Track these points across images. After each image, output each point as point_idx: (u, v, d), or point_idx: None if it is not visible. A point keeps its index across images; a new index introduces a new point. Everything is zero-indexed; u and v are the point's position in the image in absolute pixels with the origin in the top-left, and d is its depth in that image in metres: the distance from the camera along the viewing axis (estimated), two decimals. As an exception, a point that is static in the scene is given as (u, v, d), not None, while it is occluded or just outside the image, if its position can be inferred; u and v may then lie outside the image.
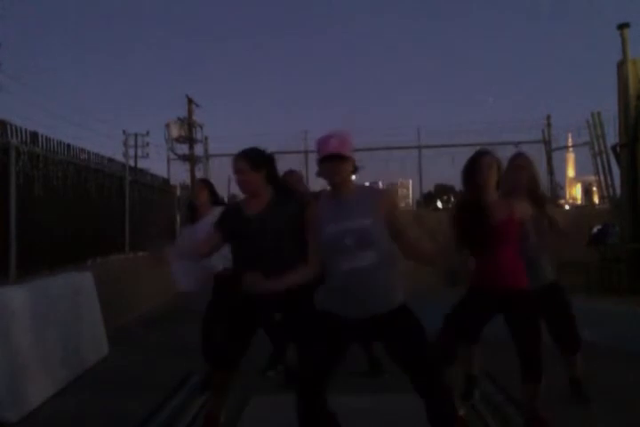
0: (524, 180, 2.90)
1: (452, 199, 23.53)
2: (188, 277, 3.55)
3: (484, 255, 2.45)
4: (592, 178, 10.42)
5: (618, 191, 7.96)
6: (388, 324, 2.11)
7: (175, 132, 17.40)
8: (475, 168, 2.59)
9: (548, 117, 10.67)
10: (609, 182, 8.31)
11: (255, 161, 2.48)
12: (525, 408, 2.62)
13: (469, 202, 2.57)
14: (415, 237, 2.18)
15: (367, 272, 2.06)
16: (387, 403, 2.55)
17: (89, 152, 5.61)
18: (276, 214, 2.43)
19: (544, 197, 3.02)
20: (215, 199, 3.69)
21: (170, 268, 3.64)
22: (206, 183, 3.81)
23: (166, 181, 9.11)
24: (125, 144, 27.17)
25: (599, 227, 7.45)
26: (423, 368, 2.09)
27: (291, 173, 3.78)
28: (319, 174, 2.18)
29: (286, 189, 2.65)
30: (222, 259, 3.11)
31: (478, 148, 2.78)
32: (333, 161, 2.09)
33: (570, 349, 3.03)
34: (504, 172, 2.77)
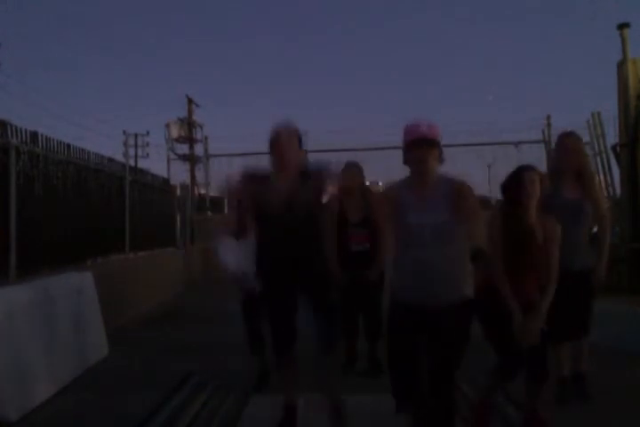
0: (574, 163, 2.86)
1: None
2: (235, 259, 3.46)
3: (512, 274, 2.42)
4: (592, 178, 10.43)
5: (618, 191, 7.97)
6: (440, 319, 2.12)
7: (175, 132, 17.43)
8: (518, 184, 2.48)
9: (548, 117, 10.69)
10: (609, 182, 8.31)
11: (301, 138, 2.57)
12: (525, 408, 2.62)
13: (512, 219, 2.46)
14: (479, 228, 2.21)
15: (437, 263, 2.09)
16: (387, 403, 2.55)
17: (89, 152, 5.61)
18: (303, 197, 2.46)
19: (592, 181, 3.00)
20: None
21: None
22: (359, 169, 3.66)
23: (166, 181, 9.12)
24: (125, 144, 27.20)
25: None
26: (440, 378, 2.15)
27: (351, 167, 3.67)
28: (406, 162, 2.16)
29: (308, 171, 2.63)
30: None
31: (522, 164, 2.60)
32: (423, 147, 2.07)
33: (578, 334, 2.98)
34: (552, 151, 2.77)
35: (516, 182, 2.51)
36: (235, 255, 3.40)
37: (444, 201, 2.11)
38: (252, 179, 2.56)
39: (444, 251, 2.11)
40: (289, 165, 2.48)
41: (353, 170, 3.66)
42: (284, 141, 2.46)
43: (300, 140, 2.56)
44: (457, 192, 2.12)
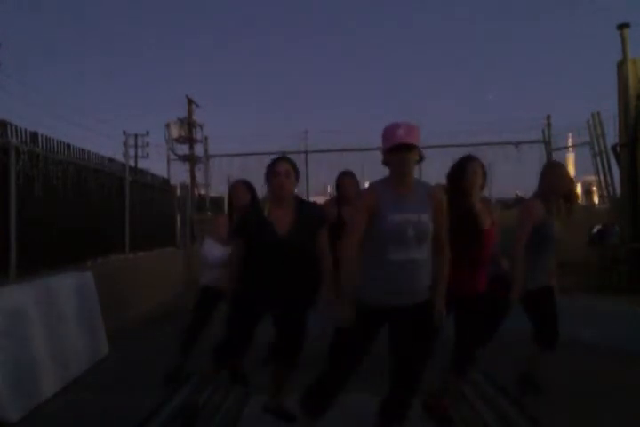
0: (566, 188, 3.04)
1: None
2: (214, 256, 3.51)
3: (462, 260, 2.49)
4: (592, 178, 10.41)
5: (618, 191, 7.96)
6: (410, 314, 2.20)
7: (175, 132, 17.43)
8: (461, 174, 2.70)
9: (548, 117, 10.64)
10: (609, 182, 8.31)
11: (296, 169, 2.69)
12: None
13: (455, 207, 2.52)
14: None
15: (419, 264, 2.16)
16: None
17: (89, 152, 5.61)
18: (301, 230, 2.57)
19: (575, 202, 3.18)
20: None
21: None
22: (249, 187, 3.52)
23: (166, 181, 9.11)
24: (125, 144, 27.16)
25: (599, 227, 7.46)
26: (408, 367, 2.25)
27: (346, 175, 3.79)
28: (385, 163, 2.24)
29: (304, 201, 2.80)
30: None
31: (466, 153, 2.90)
32: (402, 151, 2.13)
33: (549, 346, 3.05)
34: (544, 174, 3.03)
35: (459, 172, 2.71)
36: (215, 253, 3.48)
37: (421, 201, 2.20)
38: (249, 223, 2.66)
39: (423, 250, 2.17)
40: (287, 195, 2.63)
41: (351, 180, 3.80)
42: (288, 169, 2.61)
43: (297, 172, 2.69)
44: (432, 195, 2.24)
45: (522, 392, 3.07)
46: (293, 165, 2.68)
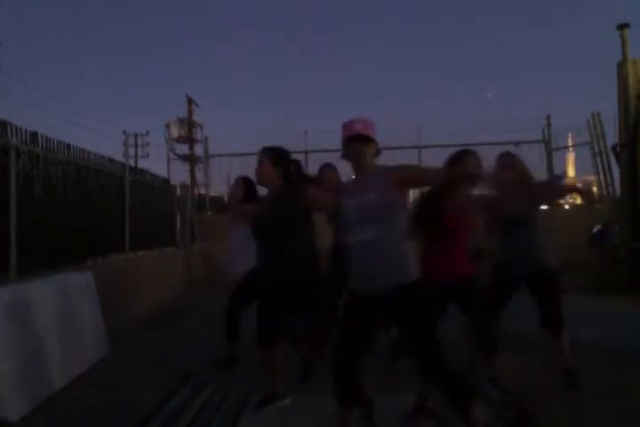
0: (511, 178, 3.06)
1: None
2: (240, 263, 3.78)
3: (437, 247, 2.59)
4: (592, 178, 10.41)
5: (618, 191, 7.96)
6: (395, 300, 2.15)
7: (175, 132, 17.43)
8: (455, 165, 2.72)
9: (548, 117, 10.65)
10: (609, 182, 8.30)
11: (275, 158, 2.90)
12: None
13: (433, 194, 2.65)
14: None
15: (370, 245, 2.16)
16: (387, 403, 2.57)
17: (89, 152, 5.61)
18: (278, 208, 2.80)
19: (535, 191, 3.17)
20: (251, 196, 3.71)
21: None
22: (246, 182, 3.82)
23: (166, 181, 9.11)
24: (125, 144, 27.14)
25: (599, 227, 7.45)
26: (421, 349, 2.15)
27: (327, 167, 3.82)
28: (344, 156, 2.31)
29: (294, 183, 2.93)
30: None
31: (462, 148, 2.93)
32: (357, 142, 2.21)
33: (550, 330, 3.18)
34: (493, 170, 3.06)
35: (454, 164, 2.73)
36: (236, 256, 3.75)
37: (373, 183, 2.20)
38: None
39: (374, 231, 2.15)
40: (265, 182, 2.95)
41: (332, 172, 3.80)
42: (261, 160, 2.90)
43: (276, 159, 2.89)
44: (391, 172, 2.20)
45: (572, 384, 3.15)
46: (269, 153, 2.90)
